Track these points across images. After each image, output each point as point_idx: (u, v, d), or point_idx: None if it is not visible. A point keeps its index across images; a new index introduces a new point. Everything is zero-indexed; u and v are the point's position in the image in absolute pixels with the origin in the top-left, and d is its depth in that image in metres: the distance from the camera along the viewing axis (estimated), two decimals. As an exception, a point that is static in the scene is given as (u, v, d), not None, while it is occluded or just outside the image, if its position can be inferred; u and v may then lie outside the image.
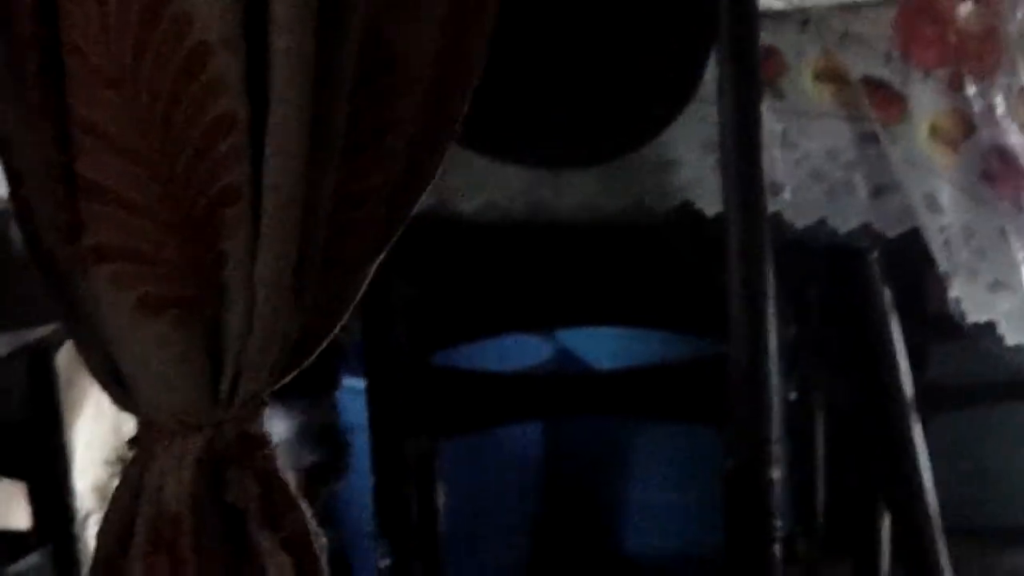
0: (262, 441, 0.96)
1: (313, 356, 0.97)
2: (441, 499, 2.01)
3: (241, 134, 0.93)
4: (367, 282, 1.00)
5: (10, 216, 2.35)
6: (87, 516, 1.98)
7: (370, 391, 1.94)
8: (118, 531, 0.97)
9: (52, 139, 0.93)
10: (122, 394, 0.96)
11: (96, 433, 2.00)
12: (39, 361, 1.91)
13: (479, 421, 2.10)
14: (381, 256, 1.00)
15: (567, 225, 1.87)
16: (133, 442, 0.96)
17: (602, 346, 2.59)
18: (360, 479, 2.24)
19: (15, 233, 2.45)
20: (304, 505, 0.97)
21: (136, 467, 0.96)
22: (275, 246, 0.94)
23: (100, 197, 0.93)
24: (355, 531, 2.33)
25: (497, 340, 2.21)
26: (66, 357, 1.95)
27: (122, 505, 0.97)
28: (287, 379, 0.97)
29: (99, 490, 2.00)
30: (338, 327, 0.99)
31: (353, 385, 2.23)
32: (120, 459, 1.98)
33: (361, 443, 2.17)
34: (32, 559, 1.90)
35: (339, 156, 0.96)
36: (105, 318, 0.94)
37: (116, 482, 1.95)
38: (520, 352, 2.55)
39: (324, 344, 0.97)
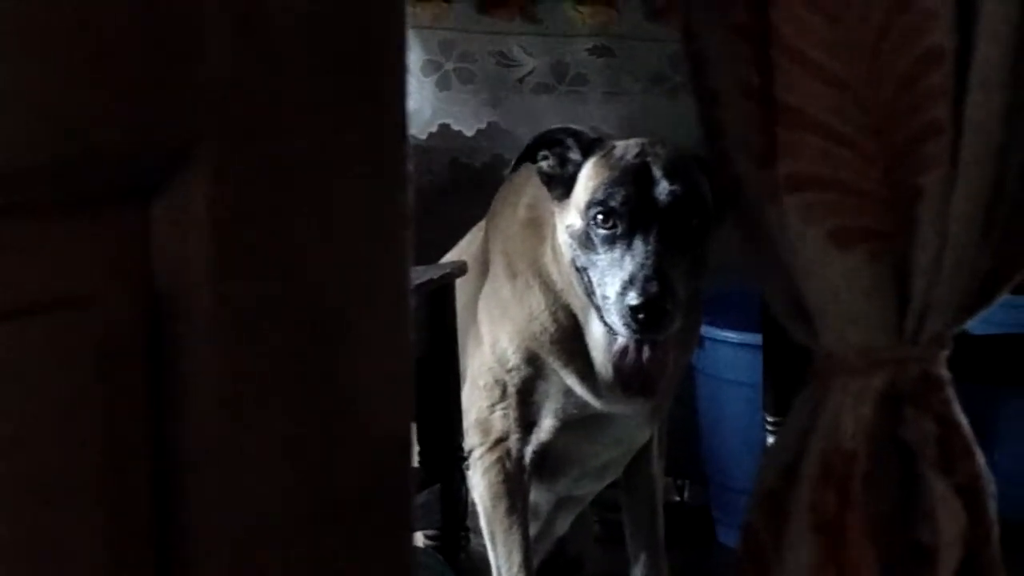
0: (941, 383, 0.94)
1: (997, 297, 0.94)
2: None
3: (947, 68, 0.91)
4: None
5: (431, 151, 2.33)
6: (470, 452, 1.98)
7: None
8: (784, 463, 0.95)
9: (753, 60, 0.91)
10: (802, 327, 0.95)
11: (479, 365, 1.99)
12: (439, 296, 1.89)
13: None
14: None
15: None
16: (810, 376, 0.94)
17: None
18: (735, 435, 2.23)
19: (437, 166, 2.44)
20: (979, 452, 0.94)
21: (809, 402, 0.95)
22: (971, 183, 0.91)
23: (799, 123, 0.91)
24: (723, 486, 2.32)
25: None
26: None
27: (790, 438, 0.95)
28: (968, 320, 0.95)
29: (480, 423, 1.99)
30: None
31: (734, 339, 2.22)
32: (497, 383, 1.97)
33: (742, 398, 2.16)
34: (420, 498, 1.89)
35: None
36: (794, 248, 0.92)
37: (496, 414, 1.94)
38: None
39: (1010, 285, 0.94)
